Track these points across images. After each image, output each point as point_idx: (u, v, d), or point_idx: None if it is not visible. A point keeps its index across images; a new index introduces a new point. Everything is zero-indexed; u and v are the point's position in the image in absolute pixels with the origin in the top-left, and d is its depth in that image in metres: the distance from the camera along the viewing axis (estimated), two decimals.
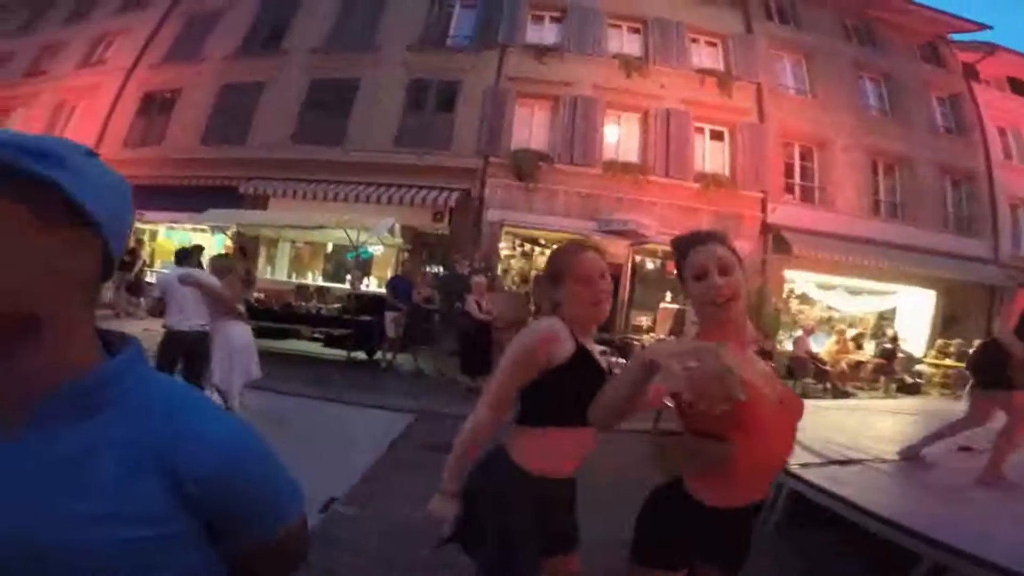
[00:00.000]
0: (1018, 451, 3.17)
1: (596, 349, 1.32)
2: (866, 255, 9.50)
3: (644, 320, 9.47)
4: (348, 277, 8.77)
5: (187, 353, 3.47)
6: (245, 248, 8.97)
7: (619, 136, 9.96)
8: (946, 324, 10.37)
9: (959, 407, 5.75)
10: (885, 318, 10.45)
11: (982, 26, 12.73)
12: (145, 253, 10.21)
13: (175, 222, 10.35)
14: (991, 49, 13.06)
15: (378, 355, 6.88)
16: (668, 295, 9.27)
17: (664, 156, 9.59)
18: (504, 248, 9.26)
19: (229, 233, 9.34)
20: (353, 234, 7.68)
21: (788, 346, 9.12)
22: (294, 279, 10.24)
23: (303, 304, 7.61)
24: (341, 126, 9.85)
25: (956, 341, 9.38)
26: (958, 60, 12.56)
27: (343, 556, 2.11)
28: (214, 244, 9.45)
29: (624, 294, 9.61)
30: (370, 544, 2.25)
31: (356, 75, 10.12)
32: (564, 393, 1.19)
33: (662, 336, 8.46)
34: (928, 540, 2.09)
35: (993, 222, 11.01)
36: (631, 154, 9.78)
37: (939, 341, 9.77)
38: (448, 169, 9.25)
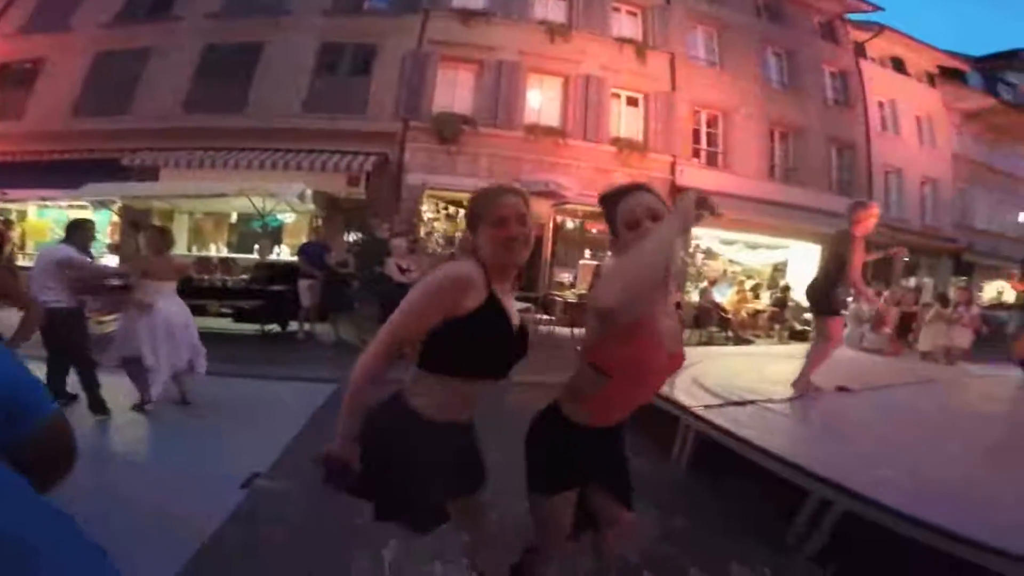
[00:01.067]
0: (824, 363, 3.80)
1: (513, 304, 1.27)
2: (762, 214, 10.55)
3: (566, 277, 10.10)
4: (256, 247, 8.55)
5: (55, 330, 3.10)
6: (137, 223, 8.38)
7: (541, 100, 10.31)
8: None
9: (842, 352, 6.60)
10: (779, 270, 11.72)
11: (875, 7, 14.05)
12: (16, 234, 9.38)
13: (48, 199, 9.50)
14: (880, 29, 14.45)
15: (294, 326, 6.64)
16: (587, 252, 9.92)
17: (583, 120, 10.08)
18: (427, 211, 9.46)
19: (115, 208, 8.77)
20: (258, 202, 7.45)
21: (695, 297, 10.08)
22: (195, 252, 9.80)
23: (205, 277, 7.15)
24: (242, 92, 9.47)
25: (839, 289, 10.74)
26: (850, 38, 13.85)
27: (269, 531, 2.04)
28: (99, 220, 8.94)
29: (546, 253, 10.18)
30: (297, 517, 2.16)
31: (259, 39, 9.71)
32: (468, 342, 1.14)
33: (584, 292, 9.11)
34: (814, 476, 2.19)
35: (869, 186, 12.51)
36: (552, 118, 10.19)
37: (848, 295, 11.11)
38: (364, 133, 9.16)
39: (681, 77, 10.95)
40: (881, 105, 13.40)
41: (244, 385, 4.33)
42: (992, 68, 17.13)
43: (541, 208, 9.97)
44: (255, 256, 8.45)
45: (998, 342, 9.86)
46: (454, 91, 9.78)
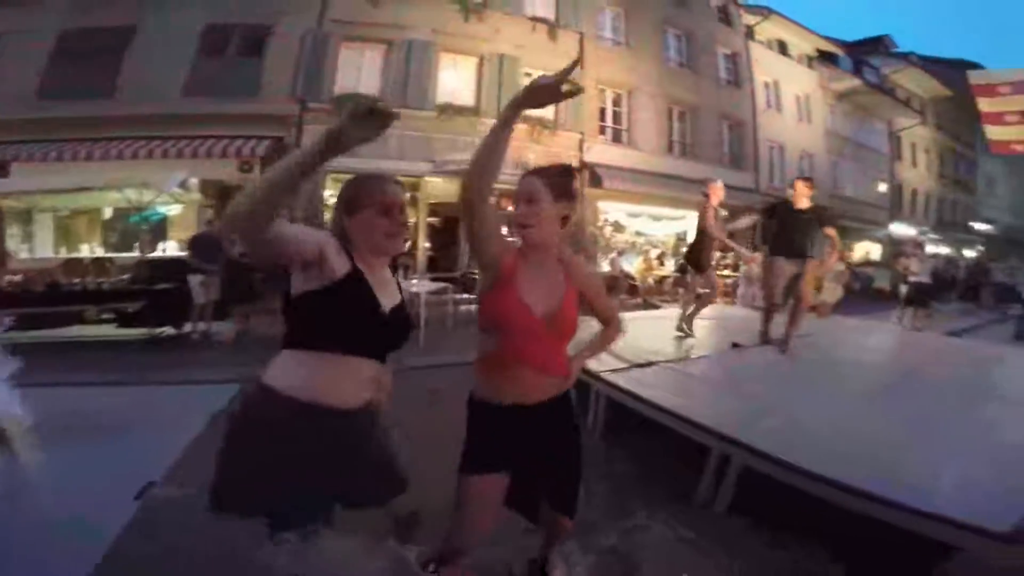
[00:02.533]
0: (703, 310, 4.64)
1: (392, 290, 1.27)
2: (663, 187, 11.57)
3: None
4: (137, 244, 7.82)
5: None
6: None
7: (455, 80, 10.36)
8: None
9: (737, 311, 6.99)
10: (681, 239, 12.88)
11: None
12: None
13: None
14: (768, 13, 15.81)
15: (188, 326, 6.12)
16: (504, 230, 10.32)
17: (496, 99, 10.29)
18: (331, 195, 9.29)
19: None
20: (133, 194, 6.83)
21: (606, 267, 10.89)
22: (63, 254, 8.85)
23: (76, 281, 6.35)
24: (110, 77, 8.57)
25: (731, 253, 12.01)
26: (742, 21, 15.06)
27: (168, 540, 1.95)
28: None
29: (463, 232, 10.46)
30: (196, 524, 2.04)
31: (130, 21, 8.76)
32: (328, 316, 1.12)
33: None
34: (713, 433, 2.24)
35: (755, 159, 14.00)
36: (466, 97, 10.30)
37: (717, 254, 12.45)
38: (256, 116, 8.61)
39: (589, 56, 11.41)
40: (766, 85, 14.85)
41: (134, 394, 4.01)
42: (860, 52, 19.40)
43: (454, 188, 10.20)
44: (136, 254, 7.65)
45: (866, 295, 11.70)
46: (359, 72, 9.52)
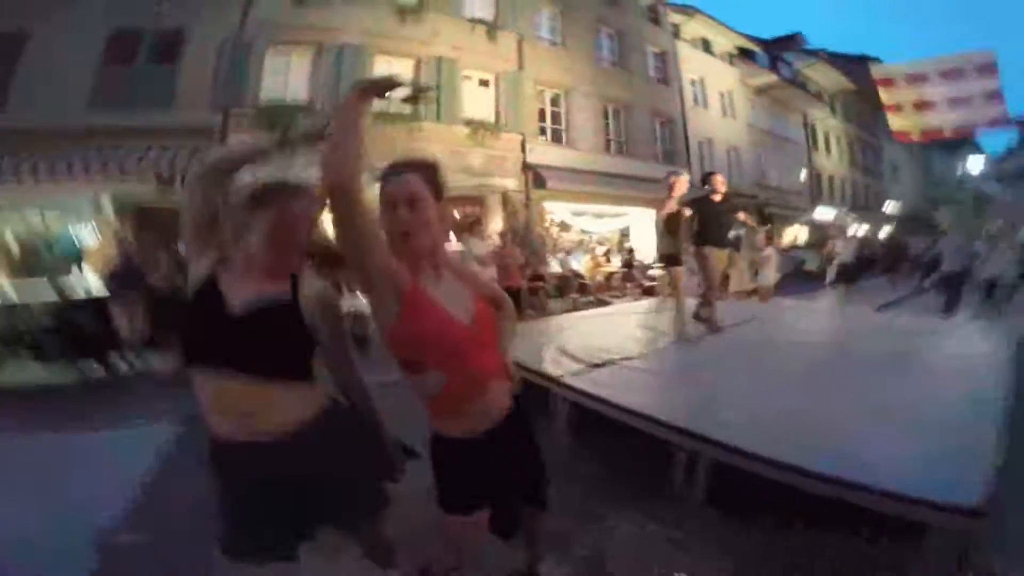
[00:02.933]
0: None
1: (253, 296, 1.13)
2: (604, 185, 11.93)
3: None
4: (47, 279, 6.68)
5: None
6: None
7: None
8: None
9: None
10: (624, 235, 13.41)
11: None
12: None
13: None
14: (692, 13, 16.65)
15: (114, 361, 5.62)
16: (452, 236, 10.29)
17: (436, 103, 10.19)
18: None
19: None
20: (35, 221, 6.35)
21: (556, 267, 11.08)
22: None
23: None
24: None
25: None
26: (669, 20, 15.76)
27: None
28: None
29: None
30: (158, 565, 2.03)
31: (20, 29, 7.81)
32: (185, 331, 1.11)
33: None
34: (679, 430, 2.22)
35: (687, 154, 14.77)
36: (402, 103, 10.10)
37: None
38: (173, 129, 7.82)
39: (528, 57, 11.53)
40: (693, 82, 15.67)
41: (61, 442, 3.72)
42: (776, 49, 20.88)
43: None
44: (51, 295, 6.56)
45: (798, 276, 12.56)
46: (286, 78, 9.09)
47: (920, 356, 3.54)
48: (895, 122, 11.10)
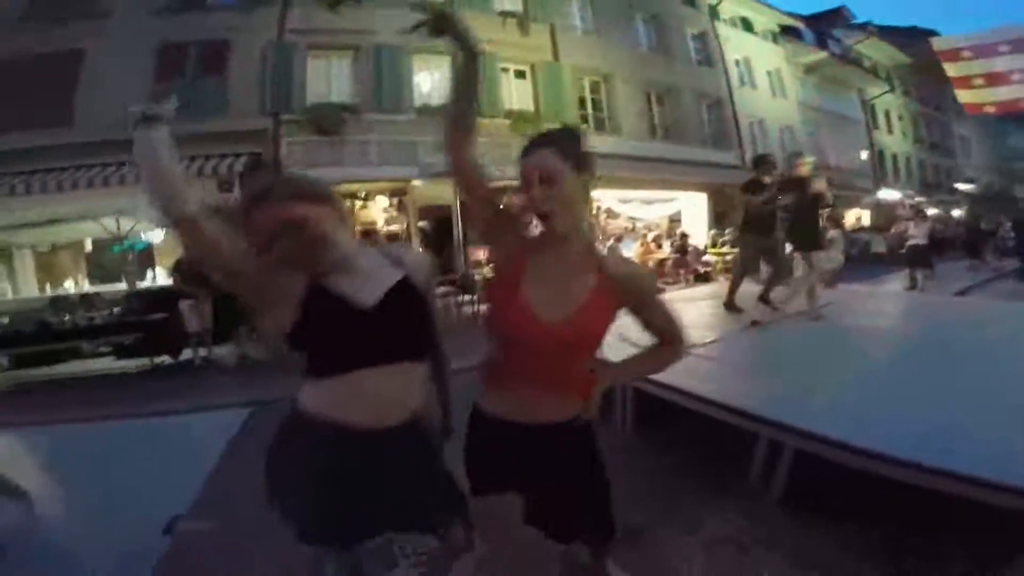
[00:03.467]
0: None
1: (365, 277, 1.08)
2: (651, 171, 11.39)
3: (481, 254, 10.17)
4: (123, 275, 7.64)
5: None
6: None
7: (430, 80, 10.15)
8: (718, 219, 13.07)
9: (743, 288, 7.10)
10: (674, 220, 12.74)
11: None
12: None
13: None
14: None
15: (187, 353, 6.05)
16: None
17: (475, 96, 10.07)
18: None
19: None
20: (110, 223, 6.66)
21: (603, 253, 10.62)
22: (48, 291, 8.52)
23: (65, 318, 6.38)
24: (66, 104, 8.20)
25: (728, 230, 11.83)
26: (705, 1, 15.22)
27: (203, 573, 1.91)
28: None
29: (457, 233, 10.18)
30: (228, 555, 2.00)
31: (76, 46, 8.43)
32: (308, 338, 1.02)
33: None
34: (760, 419, 2.11)
35: (738, 136, 13.97)
36: (443, 97, 10.08)
37: (712, 232, 12.31)
38: (227, 134, 8.22)
39: (562, 46, 11.33)
40: (737, 62, 14.94)
41: (140, 426, 3.91)
42: (821, 25, 19.80)
43: (445, 190, 9.91)
44: (123, 285, 7.49)
45: (864, 260, 11.64)
46: (328, 80, 9.26)
47: (1012, 344, 3.23)
48: (964, 96, 10.18)
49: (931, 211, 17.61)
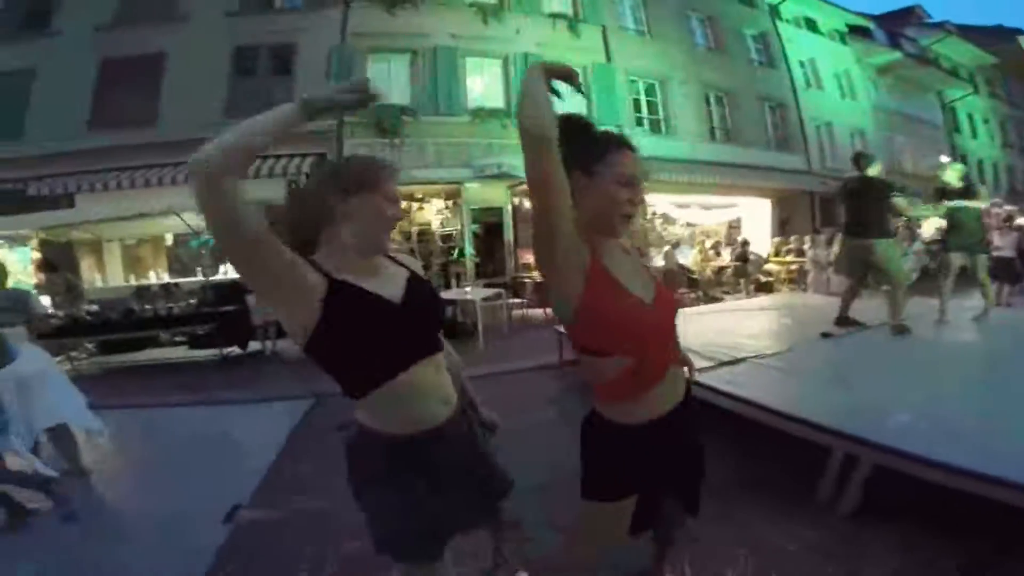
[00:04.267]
0: None
1: (386, 273, 1.10)
2: (710, 175, 10.83)
3: (531, 258, 9.95)
4: (199, 268, 7.98)
5: None
6: (50, 260, 7.67)
7: (483, 82, 10.19)
8: (781, 226, 12.26)
9: (809, 299, 6.54)
10: (734, 227, 12.05)
11: None
12: None
13: None
14: None
15: (255, 345, 6.30)
16: None
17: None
18: None
19: (33, 244, 8.02)
20: (190, 218, 6.96)
21: (659, 261, 10.14)
22: (134, 282, 9.11)
23: (148, 307, 6.75)
24: (151, 104, 8.80)
25: (793, 237, 11.04)
26: (765, 1, 14.59)
27: (261, 564, 1.89)
28: (17, 260, 8.05)
29: (510, 236, 10.02)
30: (287, 545, 2.01)
31: (160, 49, 9.06)
32: (343, 344, 0.97)
33: None
34: (835, 432, 2.07)
35: (804, 140, 13.12)
36: (496, 99, 10.07)
37: (776, 239, 11.50)
38: (297, 135, 8.63)
39: (615, 48, 11.11)
40: (802, 63, 14.14)
41: (212, 413, 4.06)
42: (893, 25, 18.56)
43: (497, 192, 9.83)
44: (199, 278, 7.86)
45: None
46: (389, 82, 9.47)
47: None
48: None
49: (1020, 220, 15.85)
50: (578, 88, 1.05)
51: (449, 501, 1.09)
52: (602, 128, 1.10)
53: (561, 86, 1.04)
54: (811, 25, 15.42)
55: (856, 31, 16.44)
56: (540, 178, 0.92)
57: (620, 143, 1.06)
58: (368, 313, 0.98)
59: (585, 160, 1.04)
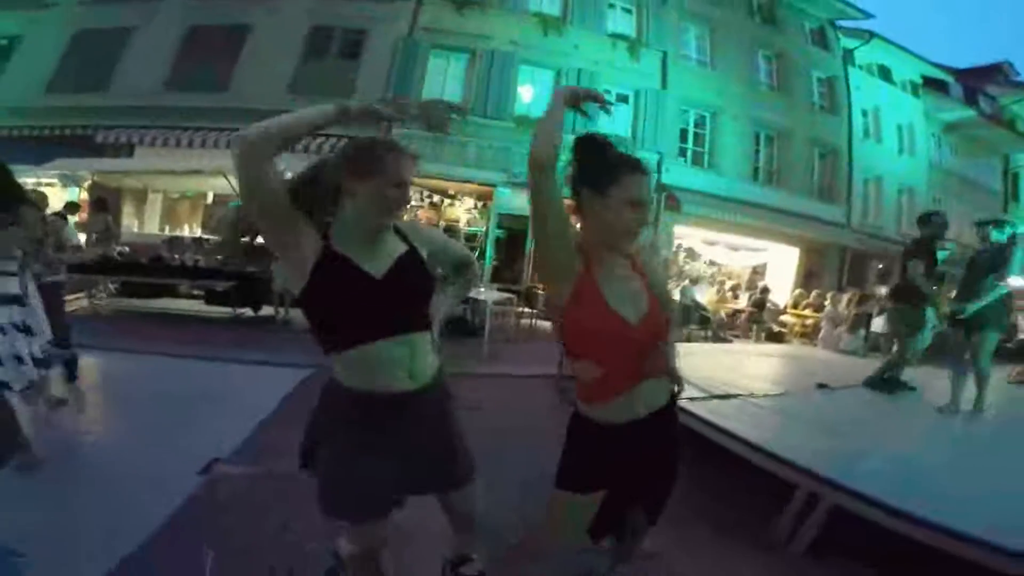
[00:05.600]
0: None
1: (381, 251, 1.16)
2: (745, 215, 10.76)
3: None
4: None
5: None
6: (104, 200, 7.97)
7: (532, 92, 10.28)
8: (806, 278, 12.11)
9: (817, 353, 6.75)
10: (757, 272, 11.95)
11: (867, 15, 14.23)
12: None
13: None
14: (869, 37, 14.64)
15: (266, 311, 6.39)
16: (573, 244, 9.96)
17: (573, 114, 10.01)
18: (411, 198, 9.38)
19: (85, 185, 8.53)
20: (235, 181, 7.39)
21: (675, 295, 10.21)
22: (167, 232, 9.58)
23: (176, 256, 6.90)
24: (226, 72, 9.34)
25: (815, 292, 10.93)
26: (840, 44, 14.01)
27: (228, 519, 1.93)
28: (67, 197, 8.59)
29: (531, 246, 10.24)
30: (260, 504, 2.04)
31: (247, 21, 9.55)
32: (324, 308, 1.11)
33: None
34: (802, 470, 2.17)
35: (849, 192, 12.80)
36: (542, 110, 10.11)
37: (797, 291, 11.39)
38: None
39: (672, 75, 10.99)
40: (864, 112, 13.65)
41: (213, 368, 4.15)
42: (974, 80, 17.53)
43: (526, 201, 10.00)
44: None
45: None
46: (444, 79, 9.68)
47: None
48: None
49: None
50: (605, 108, 1.15)
51: (395, 465, 1.15)
52: (619, 151, 1.15)
53: (590, 106, 1.14)
54: (884, 73, 14.75)
55: (932, 83, 15.65)
56: (536, 199, 1.03)
57: (634, 167, 1.10)
58: (344, 285, 1.08)
59: (598, 180, 1.09)
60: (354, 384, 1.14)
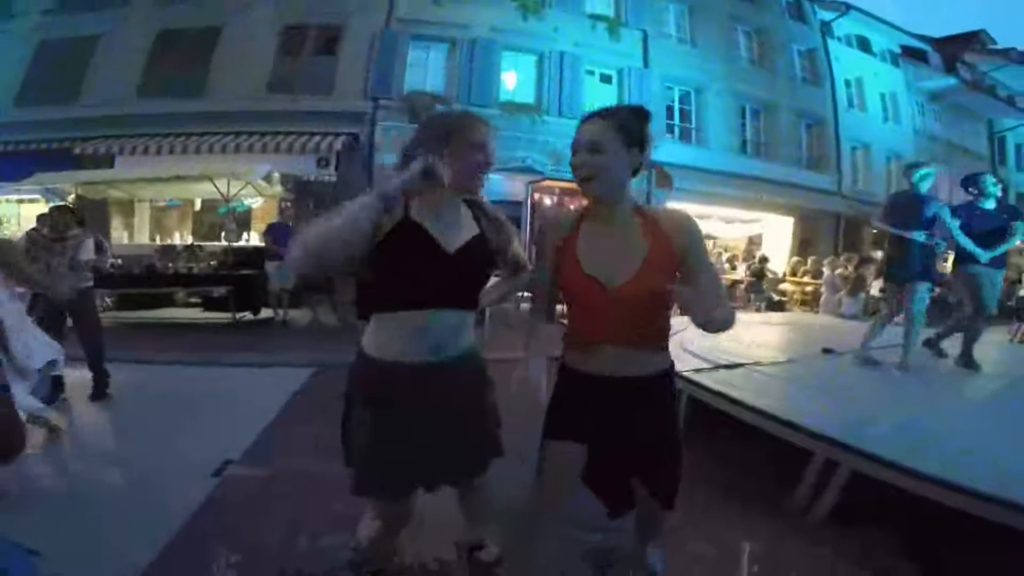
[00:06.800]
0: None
1: (457, 226, 1.22)
2: (736, 187, 10.78)
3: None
4: (223, 232, 8.32)
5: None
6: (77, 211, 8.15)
7: (516, 77, 10.30)
8: (802, 246, 12.11)
9: (819, 319, 6.81)
10: (754, 242, 11.97)
11: None
12: None
13: None
14: (846, 9, 14.80)
15: (267, 312, 6.42)
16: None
17: (557, 97, 10.11)
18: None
19: (69, 199, 8.34)
20: (222, 185, 7.22)
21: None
22: (158, 242, 9.51)
23: (170, 265, 6.86)
24: (200, 76, 9.23)
25: (811, 259, 10.90)
26: (817, 17, 14.17)
27: (242, 519, 1.93)
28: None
29: (527, 231, 10.19)
30: (272, 503, 2.05)
31: (216, 23, 9.46)
32: (387, 269, 1.13)
33: None
34: (818, 436, 2.13)
35: (837, 161, 12.86)
36: (527, 95, 10.18)
37: (794, 259, 11.37)
38: (332, 113, 8.91)
39: (654, 54, 11.05)
40: (847, 83, 13.76)
41: (217, 373, 4.18)
42: (952, 49, 17.72)
43: (517, 185, 9.99)
44: (223, 243, 8.20)
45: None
46: (426, 70, 9.68)
47: None
48: None
49: None
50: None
51: (422, 439, 1.17)
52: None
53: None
54: (863, 44, 14.91)
55: (911, 53, 15.82)
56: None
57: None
58: (415, 251, 1.12)
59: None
60: (384, 355, 1.17)
